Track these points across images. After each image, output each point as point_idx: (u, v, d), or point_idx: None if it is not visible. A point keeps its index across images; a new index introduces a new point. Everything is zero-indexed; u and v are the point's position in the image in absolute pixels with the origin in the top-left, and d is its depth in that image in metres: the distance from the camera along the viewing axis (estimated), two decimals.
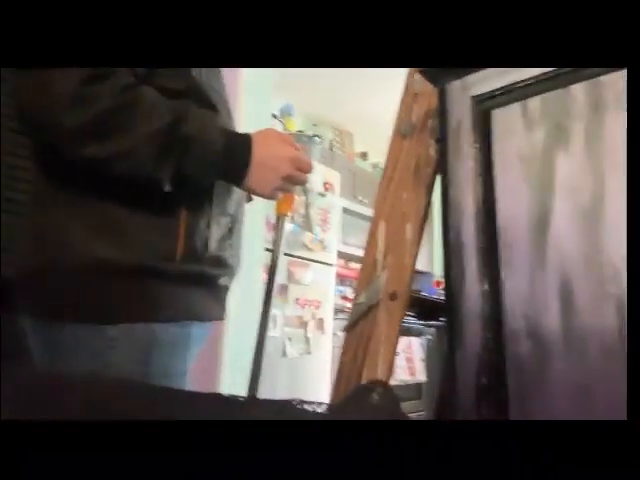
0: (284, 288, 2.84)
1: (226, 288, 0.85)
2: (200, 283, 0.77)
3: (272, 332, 2.72)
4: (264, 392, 0.97)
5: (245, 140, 0.75)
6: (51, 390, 0.36)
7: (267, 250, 2.57)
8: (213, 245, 0.77)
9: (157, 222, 0.72)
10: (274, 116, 2.95)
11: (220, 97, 0.82)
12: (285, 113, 3.30)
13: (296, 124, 3.44)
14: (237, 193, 0.85)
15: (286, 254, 2.80)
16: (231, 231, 0.83)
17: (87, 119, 0.63)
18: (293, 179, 0.80)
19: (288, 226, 2.89)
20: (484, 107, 0.68)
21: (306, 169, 0.81)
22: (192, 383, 0.80)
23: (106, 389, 0.38)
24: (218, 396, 0.38)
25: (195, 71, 0.75)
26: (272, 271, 1.02)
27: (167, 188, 0.70)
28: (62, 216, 0.69)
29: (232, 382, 2.18)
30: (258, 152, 0.75)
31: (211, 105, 0.77)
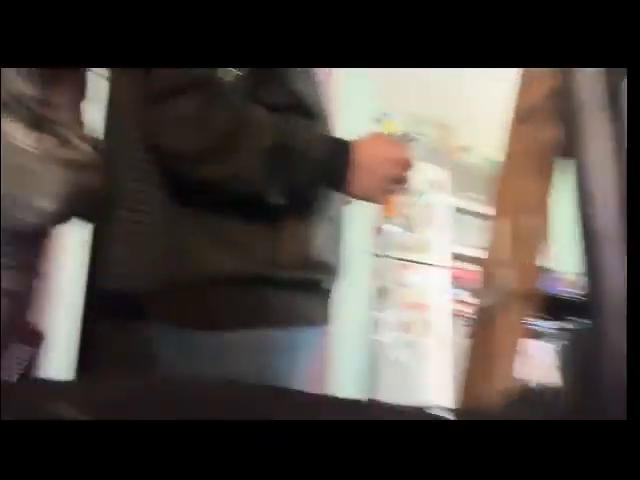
0: (390, 291, 2.80)
1: (329, 292, 0.87)
2: (307, 288, 0.80)
3: (380, 337, 2.70)
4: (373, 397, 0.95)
5: (347, 146, 0.77)
6: (188, 394, 0.39)
7: (372, 254, 2.56)
8: (317, 251, 0.79)
9: (262, 231, 0.76)
10: (373, 120, 2.92)
11: (321, 107, 0.86)
12: (384, 115, 3.25)
13: (396, 125, 3.38)
14: (339, 197, 0.86)
15: (389, 256, 2.76)
16: (334, 236, 0.86)
17: (204, 143, 0.69)
18: (397, 179, 0.80)
19: (391, 228, 2.85)
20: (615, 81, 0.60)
21: (407, 167, 0.80)
22: (305, 387, 0.82)
23: (245, 392, 0.41)
24: (342, 400, 0.39)
25: (296, 84, 0.79)
26: (379, 274, 1.00)
27: (275, 201, 0.74)
28: (187, 233, 0.76)
29: (342, 386, 2.20)
30: (360, 156, 0.76)
31: (313, 115, 0.81)
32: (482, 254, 0.90)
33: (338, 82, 2.08)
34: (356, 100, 2.18)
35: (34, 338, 0.75)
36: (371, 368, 2.52)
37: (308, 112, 0.80)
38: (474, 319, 0.88)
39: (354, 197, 0.82)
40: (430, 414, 0.31)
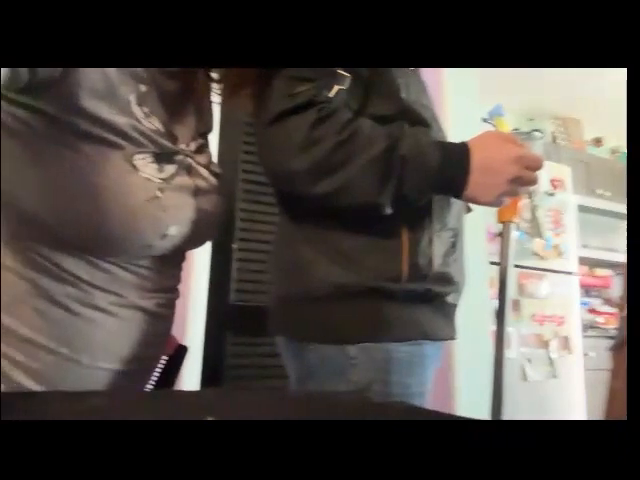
0: (516, 303, 2.58)
1: (454, 306, 0.84)
2: (427, 301, 0.77)
3: (508, 353, 2.48)
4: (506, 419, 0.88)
5: (461, 149, 0.73)
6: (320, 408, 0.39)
7: (492, 263, 2.39)
8: (437, 261, 0.77)
9: (380, 244, 0.75)
10: (484, 120, 2.77)
11: (430, 112, 0.84)
12: (495, 114, 3.06)
13: (509, 123, 3.16)
14: (457, 205, 0.83)
15: (515, 265, 2.54)
16: (454, 245, 0.82)
17: (315, 159, 0.69)
18: (522, 180, 0.73)
19: (514, 234, 2.63)
20: None
21: (536, 166, 0.73)
22: (429, 404, 0.80)
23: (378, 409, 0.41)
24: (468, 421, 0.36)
25: (404, 92, 0.78)
26: (503, 285, 0.91)
27: (388, 211, 0.72)
28: (302, 249, 0.78)
29: (469, 404, 2.06)
30: (477, 158, 0.71)
31: (422, 121, 0.79)
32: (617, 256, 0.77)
33: (446, 83, 2.01)
34: (465, 100, 2.07)
35: (179, 351, 0.79)
36: (497, 385, 2.33)
37: (417, 119, 0.78)
38: (618, 331, 0.76)
39: (473, 202, 0.77)
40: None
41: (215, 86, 0.75)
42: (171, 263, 0.67)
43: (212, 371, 1.93)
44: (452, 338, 0.83)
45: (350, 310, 0.74)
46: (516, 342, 2.55)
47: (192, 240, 0.66)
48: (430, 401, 0.81)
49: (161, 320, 0.66)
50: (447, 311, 0.82)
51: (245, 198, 2.15)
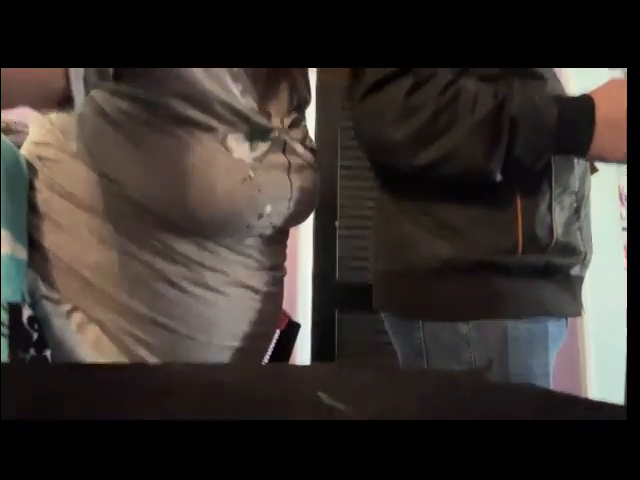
0: None
1: (580, 279, 0.78)
2: (548, 275, 0.72)
3: None
4: None
5: (583, 102, 0.65)
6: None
7: (624, 229, 2.12)
8: (559, 230, 0.71)
9: (491, 215, 0.70)
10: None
11: None
12: None
13: None
14: (580, 165, 0.75)
15: None
16: (578, 211, 0.75)
17: (415, 128, 0.65)
18: None
19: None
20: None
21: None
22: (554, 387, 0.75)
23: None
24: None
25: None
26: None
27: (498, 178, 0.67)
28: (403, 224, 0.75)
29: (600, 387, 1.89)
30: (603, 111, 0.63)
31: (535, 75, 0.72)
32: None
33: None
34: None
35: (291, 327, 0.81)
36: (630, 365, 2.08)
37: (529, 73, 0.71)
38: None
39: (601, 161, 0.69)
40: None
41: None
42: (274, 241, 0.68)
43: (322, 348, 1.99)
44: (578, 314, 0.77)
45: (460, 286, 0.70)
46: None
47: (291, 217, 0.66)
48: (556, 383, 0.74)
49: (270, 298, 0.67)
50: (572, 285, 0.76)
51: (345, 174, 2.14)
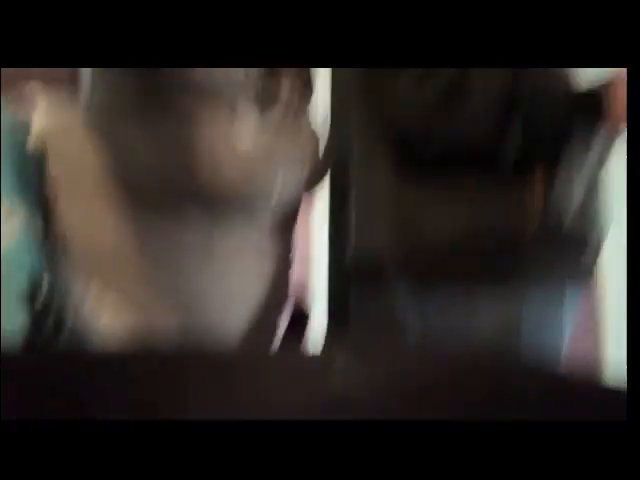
0: None
1: (596, 246, 0.78)
2: (568, 243, 0.73)
3: None
4: None
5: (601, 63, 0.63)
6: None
7: None
8: (576, 201, 0.71)
9: (510, 193, 0.70)
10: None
11: None
12: None
13: None
14: (601, 134, 0.72)
15: None
16: (596, 183, 0.75)
17: (428, 101, 0.66)
18: None
19: None
20: None
21: None
22: (567, 350, 0.77)
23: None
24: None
25: None
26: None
27: (514, 157, 0.67)
28: (422, 199, 0.74)
29: (618, 358, 1.89)
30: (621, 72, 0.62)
31: None
32: None
33: None
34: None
35: (301, 315, 0.83)
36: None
37: None
38: None
39: (619, 120, 0.65)
40: None
41: None
42: (286, 209, 0.69)
43: (338, 314, 2.00)
44: (593, 279, 0.80)
45: (473, 250, 0.71)
46: None
47: (305, 185, 0.67)
48: (572, 351, 0.76)
49: (284, 263, 0.68)
50: (589, 252, 0.76)
51: (363, 155, 2.09)
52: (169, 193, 0.58)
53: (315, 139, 0.68)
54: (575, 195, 0.72)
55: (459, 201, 0.72)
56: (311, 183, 0.70)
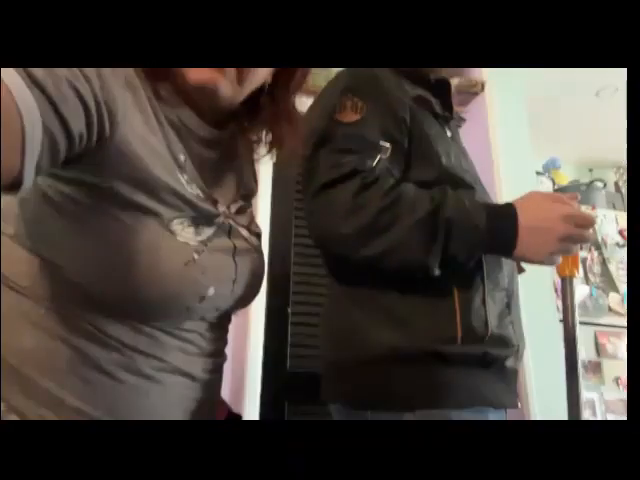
0: (597, 366, 2.35)
1: (514, 371, 0.81)
2: (486, 366, 0.75)
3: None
4: None
5: (508, 210, 0.74)
6: None
7: (561, 321, 2.23)
8: (493, 323, 0.75)
9: (433, 306, 0.74)
10: (538, 173, 2.71)
11: (472, 175, 0.87)
12: (550, 167, 3.00)
13: (567, 175, 3.08)
14: (508, 265, 0.83)
15: (590, 323, 2.35)
16: (509, 306, 0.81)
17: (361, 223, 0.72)
18: (573, 238, 0.73)
19: (583, 289, 2.47)
20: None
21: (586, 223, 0.73)
22: None
23: None
24: None
25: (444, 159, 0.81)
26: (570, 345, 0.85)
27: (437, 272, 0.72)
28: (353, 313, 0.78)
29: None
30: (525, 218, 0.72)
31: (465, 184, 0.82)
32: None
33: (495, 140, 2.00)
34: (517, 155, 2.04)
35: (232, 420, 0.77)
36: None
37: (460, 183, 0.81)
38: None
39: (524, 261, 0.77)
40: None
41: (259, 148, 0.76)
42: (217, 326, 0.66)
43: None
44: (515, 405, 0.78)
45: (407, 375, 0.72)
46: (601, 409, 2.29)
47: (236, 301, 0.66)
48: None
49: (208, 385, 0.64)
50: (507, 376, 0.78)
51: (298, 261, 2.16)
52: (90, 307, 0.55)
53: (251, 257, 0.68)
54: (491, 318, 0.76)
55: (391, 318, 0.74)
56: (243, 301, 0.68)
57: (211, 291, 0.59)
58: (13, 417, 0.52)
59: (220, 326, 0.68)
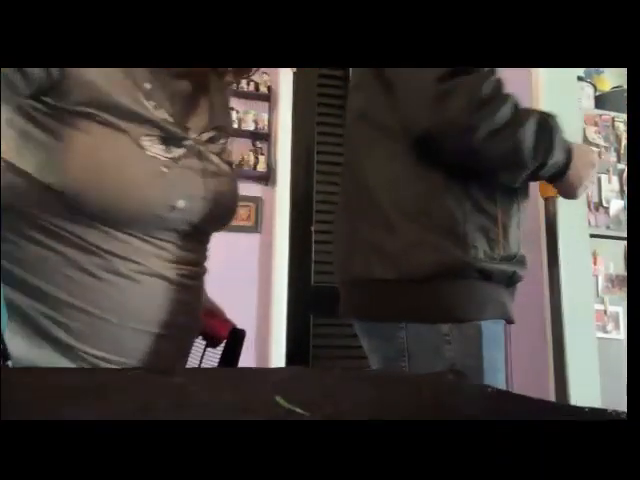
0: (623, 280, 2.33)
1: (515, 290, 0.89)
2: (511, 283, 0.84)
3: (616, 334, 2.27)
4: None
5: (571, 151, 0.85)
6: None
7: (592, 236, 2.19)
8: (520, 245, 0.84)
9: (481, 224, 0.79)
10: (580, 79, 2.51)
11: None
12: (592, 73, 2.78)
13: (609, 81, 2.85)
14: (523, 192, 0.89)
15: (624, 238, 2.31)
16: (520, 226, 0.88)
17: (495, 118, 0.76)
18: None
19: (617, 203, 2.39)
20: None
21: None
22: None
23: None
24: None
25: None
26: (553, 262, 0.98)
27: (520, 181, 0.82)
28: (410, 234, 0.80)
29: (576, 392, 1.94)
30: (575, 162, 0.85)
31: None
32: None
33: None
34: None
35: (235, 335, 0.82)
36: (601, 371, 2.14)
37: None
38: None
39: (566, 187, 0.88)
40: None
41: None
42: (191, 238, 0.71)
43: (297, 352, 1.98)
44: (514, 322, 0.86)
45: (451, 289, 0.78)
46: (624, 322, 2.31)
47: (209, 219, 0.71)
48: (524, 384, 0.83)
49: (186, 290, 0.70)
50: (514, 294, 0.87)
51: (321, 179, 2.14)
52: (65, 215, 0.61)
53: (221, 180, 0.72)
54: (520, 242, 0.85)
55: (447, 237, 0.79)
56: (217, 220, 0.73)
57: (180, 203, 0.65)
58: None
59: (196, 240, 0.72)
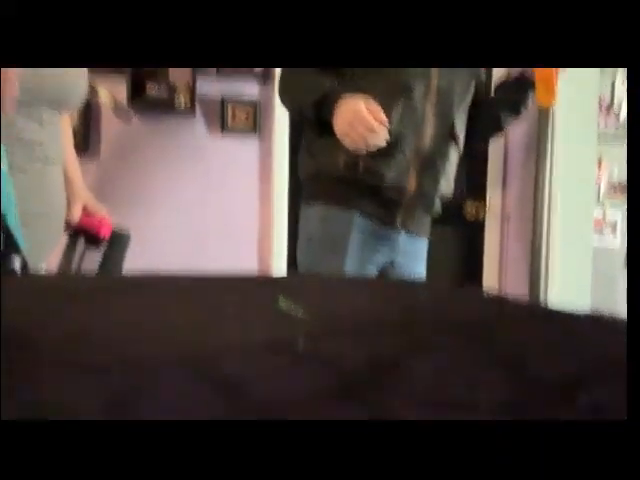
0: (622, 187, 2.31)
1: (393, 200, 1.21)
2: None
3: (613, 243, 2.30)
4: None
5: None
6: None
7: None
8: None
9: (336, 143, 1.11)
10: None
11: None
12: None
13: None
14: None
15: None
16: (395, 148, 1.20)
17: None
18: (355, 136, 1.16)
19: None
20: None
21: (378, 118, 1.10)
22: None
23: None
24: None
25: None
26: (540, 169, 1.02)
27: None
28: (313, 147, 1.22)
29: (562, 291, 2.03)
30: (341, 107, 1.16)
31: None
32: None
33: None
34: None
35: (116, 238, 0.82)
36: (596, 278, 2.20)
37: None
38: None
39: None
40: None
41: None
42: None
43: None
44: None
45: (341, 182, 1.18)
46: (622, 229, 2.34)
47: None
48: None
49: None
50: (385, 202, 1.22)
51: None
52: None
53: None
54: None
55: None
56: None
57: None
58: None
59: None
